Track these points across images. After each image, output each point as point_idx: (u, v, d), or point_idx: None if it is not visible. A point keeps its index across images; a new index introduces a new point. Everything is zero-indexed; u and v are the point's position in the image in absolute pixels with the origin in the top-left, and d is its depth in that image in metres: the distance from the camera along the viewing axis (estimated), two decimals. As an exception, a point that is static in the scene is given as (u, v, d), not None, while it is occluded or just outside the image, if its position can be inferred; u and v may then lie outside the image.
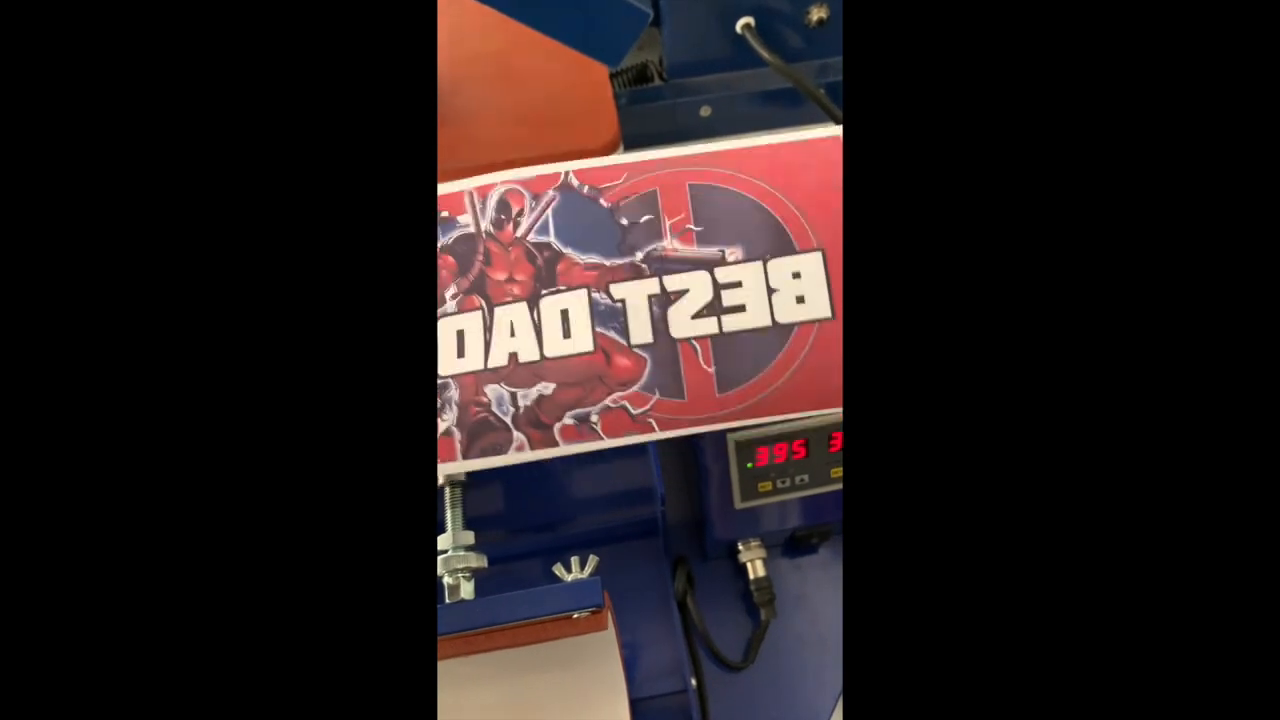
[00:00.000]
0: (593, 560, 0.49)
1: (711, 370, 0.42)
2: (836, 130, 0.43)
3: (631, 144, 0.72)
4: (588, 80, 0.69)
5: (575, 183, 0.43)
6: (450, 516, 0.50)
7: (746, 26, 0.72)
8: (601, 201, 0.43)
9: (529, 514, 0.67)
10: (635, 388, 0.42)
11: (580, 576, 0.49)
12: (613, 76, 0.73)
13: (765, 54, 0.70)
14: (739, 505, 0.59)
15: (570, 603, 0.47)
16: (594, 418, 0.43)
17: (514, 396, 0.43)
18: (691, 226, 0.42)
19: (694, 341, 0.42)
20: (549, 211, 0.43)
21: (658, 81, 0.80)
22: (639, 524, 0.66)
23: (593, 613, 0.47)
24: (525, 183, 0.44)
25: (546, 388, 0.43)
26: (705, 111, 0.77)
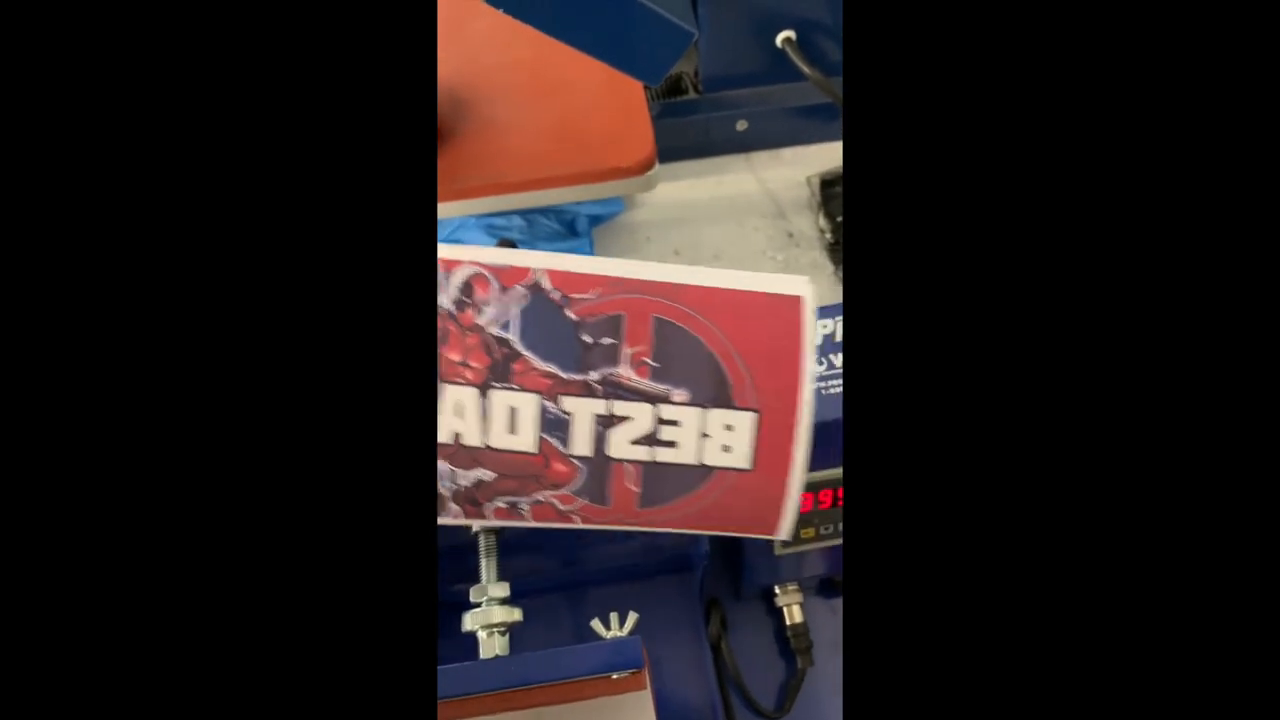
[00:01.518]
0: (632, 617, 0.47)
1: (637, 490, 0.46)
2: (802, 289, 0.43)
3: (665, 157, 0.70)
4: (624, 95, 0.67)
5: (547, 285, 0.43)
6: (484, 566, 0.48)
7: (788, 40, 0.70)
8: (569, 313, 0.43)
9: (556, 545, 0.64)
10: (565, 490, 0.46)
11: (619, 634, 0.46)
12: (645, 86, 0.70)
13: (806, 68, 0.68)
14: (779, 551, 0.57)
15: (610, 662, 0.44)
16: (524, 506, 0.46)
17: (453, 474, 0.45)
18: (648, 361, 0.44)
19: (627, 464, 0.45)
20: (515, 309, 0.43)
21: (692, 94, 0.77)
22: (670, 559, 0.64)
23: (633, 673, 0.45)
24: (495, 270, 0.43)
25: (486, 474, 0.45)
26: (741, 125, 0.75)
